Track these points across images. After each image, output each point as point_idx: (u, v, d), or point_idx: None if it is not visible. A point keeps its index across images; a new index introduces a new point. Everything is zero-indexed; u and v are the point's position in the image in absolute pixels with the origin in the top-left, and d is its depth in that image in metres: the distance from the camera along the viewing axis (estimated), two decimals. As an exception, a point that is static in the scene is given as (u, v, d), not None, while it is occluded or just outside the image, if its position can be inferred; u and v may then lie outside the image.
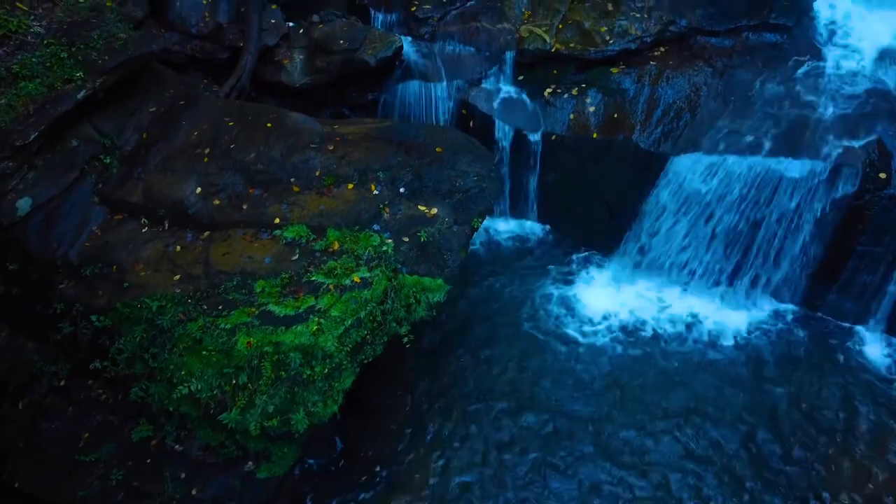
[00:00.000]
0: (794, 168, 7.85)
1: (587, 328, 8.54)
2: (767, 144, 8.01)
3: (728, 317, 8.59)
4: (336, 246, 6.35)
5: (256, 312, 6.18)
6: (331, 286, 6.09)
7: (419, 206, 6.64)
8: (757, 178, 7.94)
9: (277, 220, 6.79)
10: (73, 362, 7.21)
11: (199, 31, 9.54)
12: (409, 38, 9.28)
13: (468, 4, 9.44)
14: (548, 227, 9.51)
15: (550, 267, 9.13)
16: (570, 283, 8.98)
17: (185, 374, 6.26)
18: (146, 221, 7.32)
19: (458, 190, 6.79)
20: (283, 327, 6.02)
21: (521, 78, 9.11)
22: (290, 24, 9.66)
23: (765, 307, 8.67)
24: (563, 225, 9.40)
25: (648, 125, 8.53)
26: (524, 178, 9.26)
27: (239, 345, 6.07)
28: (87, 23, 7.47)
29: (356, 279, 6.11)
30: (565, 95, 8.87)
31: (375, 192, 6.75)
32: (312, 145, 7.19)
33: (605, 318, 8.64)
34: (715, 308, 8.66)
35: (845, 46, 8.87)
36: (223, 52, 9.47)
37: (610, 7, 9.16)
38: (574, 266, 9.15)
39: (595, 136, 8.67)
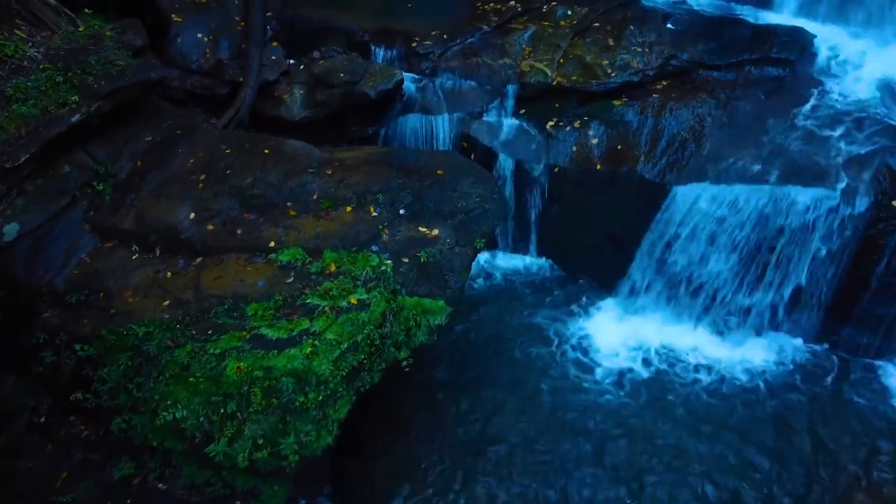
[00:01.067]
0: (803, 196, 7.67)
1: (592, 367, 8.20)
2: (775, 173, 7.85)
3: (740, 353, 8.25)
4: (333, 268, 6.09)
5: (248, 336, 5.88)
6: (326, 308, 5.81)
7: (419, 228, 6.41)
8: (765, 207, 7.76)
9: (272, 244, 6.55)
10: (55, 396, 6.86)
11: (200, 67, 9.52)
12: (410, 74, 9.23)
13: (468, 41, 9.45)
14: (551, 261, 9.27)
15: (553, 302, 8.84)
16: (573, 319, 8.68)
17: (170, 403, 5.90)
18: (137, 248, 7.08)
19: (460, 211, 6.58)
20: (276, 351, 5.70)
21: (522, 111, 9.03)
22: (291, 61, 9.65)
23: (779, 342, 8.34)
24: (566, 259, 9.16)
25: (653, 156, 8.40)
26: (526, 211, 9.08)
27: (228, 370, 5.74)
28: (85, 49, 7.41)
29: (353, 301, 5.83)
30: (567, 128, 8.76)
31: (374, 213, 6.53)
32: (310, 170, 7.02)
33: (610, 355, 8.30)
34: (726, 343, 8.33)
35: (848, 80, 8.83)
36: (223, 88, 9.41)
37: (611, 42, 9.17)
38: (578, 301, 8.86)
39: (598, 167, 8.53)
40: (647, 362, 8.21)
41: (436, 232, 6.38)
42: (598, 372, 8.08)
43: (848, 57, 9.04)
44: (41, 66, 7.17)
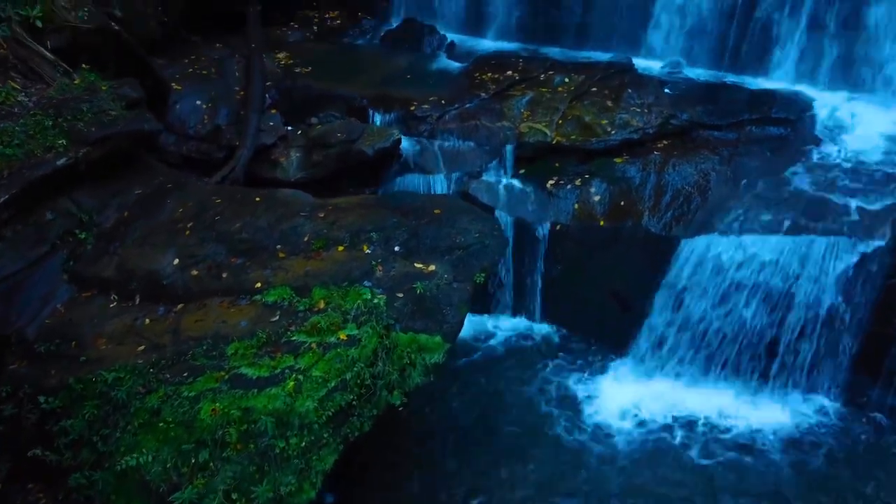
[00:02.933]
0: (818, 245, 7.34)
1: (600, 433, 7.57)
2: (787, 223, 7.56)
3: (761, 416, 7.63)
4: (322, 304, 5.67)
5: (226, 377, 5.36)
6: (313, 345, 5.33)
7: (415, 264, 6.03)
8: (779, 256, 7.40)
9: (259, 285, 6.15)
10: (14, 457, 6.21)
11: (197, 133, 9.48)
12: (408, 137, 9.15)
13: (467, 106, 9.44)
14: (555, 325, 8.78)
15: (558, 365, 8.30)
16: (579, 382, 8.11)
17: (136, 456, 5.29)
18: (116, 297, 6.67)
19: (458, 247, 6.22)
20: (256, 390, 5.18)
21: (522, 171, 8.87)
22: (289, 127, 9.61)
23: (802, 404, 7.74)
24: (571, 322, 8.68)
25: (657, 210, 8.14)
26: (528, 272, 8.71)
27: (202, 413, 5.19)
28: (79, 99, 7.31)
29: (342, 336, 5.36)
30: (568, 186, 8.57)
31: (368, 251, 6.17)
32: (302, 213, 6.74)
33: (620, 420, 7.69)
34: (745, 406, 7.73)
35: (851, 138, 8.73)
36: (220, 152, 9.31)
37: (609, 104, 9.15)
38: (584, 364, 8.32)
39: (601, 223, 8.25)
40: (660, 427, 7.57)
41: (433, 267, 6.00)
42: (605, 436, 7.44)
43: (848, 117, 8.99)
44: (31, 112, 7.06)
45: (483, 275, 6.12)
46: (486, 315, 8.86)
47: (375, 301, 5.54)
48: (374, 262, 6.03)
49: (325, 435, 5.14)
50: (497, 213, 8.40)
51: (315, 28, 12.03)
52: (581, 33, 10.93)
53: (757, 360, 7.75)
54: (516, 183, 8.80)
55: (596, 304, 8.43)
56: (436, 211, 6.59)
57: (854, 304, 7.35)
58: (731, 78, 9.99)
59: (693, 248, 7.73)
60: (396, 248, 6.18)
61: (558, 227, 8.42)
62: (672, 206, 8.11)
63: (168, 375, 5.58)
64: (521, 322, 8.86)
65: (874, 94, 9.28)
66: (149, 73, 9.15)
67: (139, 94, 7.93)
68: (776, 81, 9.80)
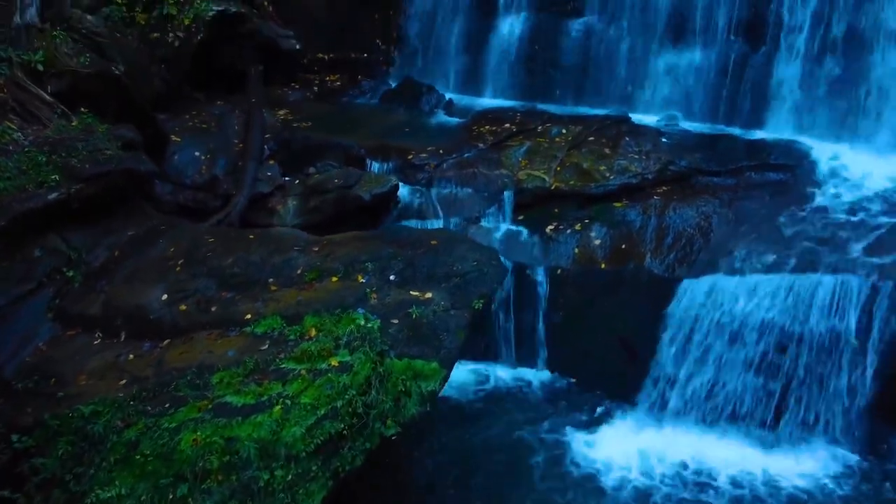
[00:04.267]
0: (826, 284, 7.14)
1: (606, 487, 7.11)
2: (792, 262, 7.41)
3: (776, 467, 7.18)
4: (313, 332, 5.42)
5: (210, 406, 5.05)
6: (303, 371, 5.05)
7: (411, 292, 5.82)
8: (786, 296, 7.20)
9: (249, 317, 5.92)
10: (-18, 504, 5.81)
11: (194, 182, 9.43)
12: (406, 185, 9.10)
13: (465, 155, 9.45)
14: (558, 373, 8.44)
15: (560, 416, 7.89)
16: (583, 433, 7.69)
17: (109, 490, 4.92)
18: (100, 334, 6.42)
19: (456, 274, 6.02)
20: (240, 418, 4.86)
21: (521, 217, 8.77)
22: (287, 178, 9.58)
23: (819, 454, 7.30)
24: (574, 369, 8.35)
25: (660, 252, 7.99)
26: (529, 320, 8.46)
27: (182, 444, 4.85)
28: (75, 138, 7.28)
29: (334, 363, 5.09)
30: (568, 231, 8.45)
31: (362, 280, 5.97)
32: (296, 248, 6.59)
33: (625, 472, 7.23)
34: (759, 456, 7.29)
35: (850, 183, 8.68)
36: (216, 201, 9.22)
37: (607, 151, 9.16)
38: (590, 416, 7.92)
39: (603, 266, 8.08)
40: (667, 479, 7.12)
41: (429, 295, 5.78)
42: (608, 489, 6.97)
43: (847, 164, 8.99)
44: (25, 150, 7.01)
45: (482, 301, 5.89)
46: (486, 363, 8.54)
47: (369, 325, 5.30)
48: (368, 290, 5.82)
49: (314, 467, 4.79)
50: (496, 258, 8.23)
51: (315, 89, 12.24)
52: (577, 91, 11.09)
53: (769, 406, 7.38)
54: (515, 228, 8.68)
55: (600, 350, 8.14)
56: (432, 242, 6.44)
57: (868, 346, 7.06)
58: (727, 130, 10.02)
59: (697, 289, 7.51)
60: (392, 277, 5.98)
61: (559, 272, 8.24)
62: (674, 248, 7.96)
63: (149, 407, 5.27)
64: (522, 371, 8.52)
65: (870, 142, 9.29)
66: (148, 123, 9.19)
67: (136, 137, 7.92)
68: (773, 133, 9.83)
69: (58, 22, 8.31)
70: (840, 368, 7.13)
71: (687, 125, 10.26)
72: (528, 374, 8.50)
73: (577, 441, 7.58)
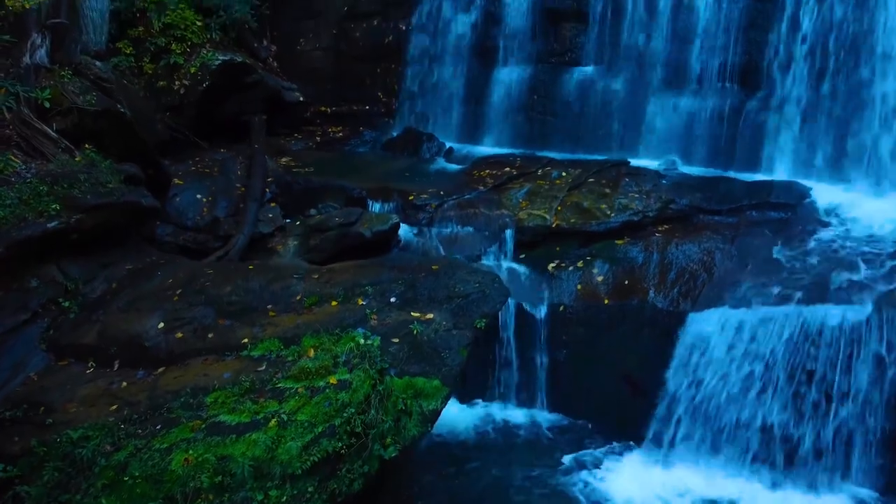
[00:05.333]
0: (834, 315, 7.02)
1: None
2: (798, 294, 7.31)
3: (787, 509, 6.91)
4: (311, 353, 5.27)
5: (203, 426, 4.87)
6: (300, 389, 4.89)
7: (412, 313, 5.70)
8: (794, 329, 7.06)
9: (246, 341, 5.78)
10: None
11: (195, 224, 9.44)
12: (407, 225, 9.10)
13: (466, 197, 9.49)
14: (562, 413, 8.20)
15: (567, 458, 7.62)
16: (592, 475, 7.41)
17: (95, 518, 4.70)
18: (93, 364, 6.27)
19: (458, 295, 5.91)
20: (234, 436, 4.68)
21: (522, 256, 8.74)
22: (288, 220, 9.59)
23: (835, 493, 7.01)
24: (579, 408, 8.12)
25: (663, 287, 7.90)
26: (531, 359, 8.29)
27: (173, 465, 4.66)
28: (77, 171, 7.30)
29: (332, 381, 4.94)
30: (570, 268, 8.38)
31: (362, 303, 5.86)
32: (295, 276, 6.51)
33: (637, 513, 6.96)
34: (773, 496, 7.00)
35: (850, 220, 8.67)
36: (216, 241, 9.21)
37: (608, 191, 9.20)
38: (596, 456, 7.65)
39: (606, 301, 7.97)
40: (684, 519, 6.83)
41: (430, 315, 5.66)
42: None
43: (847, 203, 8.98)
44: (27, 180, 7.02)
45: (484, 320, 5.77)
46: (489, 404, 8.32)
47: (369, 342, 5.16)
48: (368, 312, 5.72)
49: (310, 488, 4.58)
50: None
51: (318, 139, 12.41)
52: (576, 138, 11.19)
53: (780, 443, 7.13)
54: (517, 267, 8.63)
55: (604, 388, 7.94)
56: (433, 267, 6.37)
57: (882, 378, 6.87)
58: (726, 174, 10.07)
59: (703, 323, 7.38)
60: (392, 300, 5.88)
61: (562, 309, 8.13)
62: (678, 283, 7.88)
63: (140, 430, 5.09)
64: (526, 411, 8.29)
65: (869, 182, 9.32)
66: (151, 164, 9.25)
67: (139, 174, 7.95)
68: (771, 175, 9.89)
69: (66, 65, 8.48)
70: (850, 403, 6.92)
71: (686, 169, 10.32)
72: (530, 413, 8.26)
73: (581, 482, 7.30)
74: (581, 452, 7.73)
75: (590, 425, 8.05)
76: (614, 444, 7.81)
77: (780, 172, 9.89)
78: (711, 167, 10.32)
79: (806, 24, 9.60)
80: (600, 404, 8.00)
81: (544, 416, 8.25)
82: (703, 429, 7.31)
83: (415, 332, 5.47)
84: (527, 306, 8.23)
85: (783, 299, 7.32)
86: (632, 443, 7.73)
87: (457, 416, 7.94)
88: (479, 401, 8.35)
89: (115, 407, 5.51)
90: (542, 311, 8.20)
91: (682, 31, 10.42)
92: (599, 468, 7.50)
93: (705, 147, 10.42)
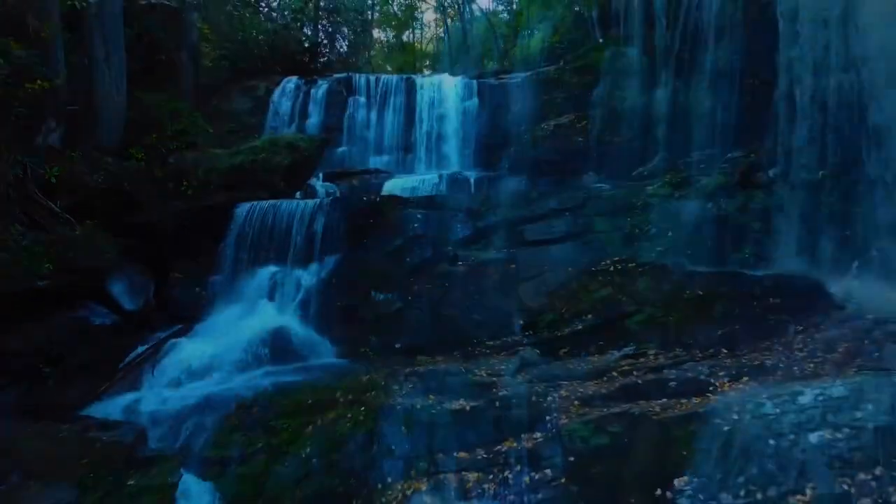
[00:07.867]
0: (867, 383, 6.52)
1: None
2: (827, 366, 6.86)
3: None
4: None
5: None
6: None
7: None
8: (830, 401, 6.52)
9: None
10: None
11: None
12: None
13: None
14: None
15: None
16: None
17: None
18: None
19: None
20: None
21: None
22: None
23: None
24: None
25: (684, 367, 7.42)
26: None
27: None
28: (76, 238, 7.12)
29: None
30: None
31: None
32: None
33: None
34: None
35: (862, 302, 8.44)
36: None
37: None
38: None
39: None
40: None
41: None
42: None
43: (855, 288, 8.83)
44: (23, 245, 6.79)
45: None
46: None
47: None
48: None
49: None
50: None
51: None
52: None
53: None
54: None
55: None
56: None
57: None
58: (735, 269, 9.91)
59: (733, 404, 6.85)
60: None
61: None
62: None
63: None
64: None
65: (874, 269, 9.15)
66: (154, 252, 9.09)
67: (140, 247, 7.76)
68: (780, 270, 9.72)
69: (79, 154, 8.56)
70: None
71: (693, 268, 10.15)
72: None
73: None
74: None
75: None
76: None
77: (787, 267, 9.69)
78: (718, 266, 10.15)
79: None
80: None
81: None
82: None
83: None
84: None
85: (814, 376, 6.85)
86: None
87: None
88: None
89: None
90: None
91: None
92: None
93: (709, 248, 10.31)
